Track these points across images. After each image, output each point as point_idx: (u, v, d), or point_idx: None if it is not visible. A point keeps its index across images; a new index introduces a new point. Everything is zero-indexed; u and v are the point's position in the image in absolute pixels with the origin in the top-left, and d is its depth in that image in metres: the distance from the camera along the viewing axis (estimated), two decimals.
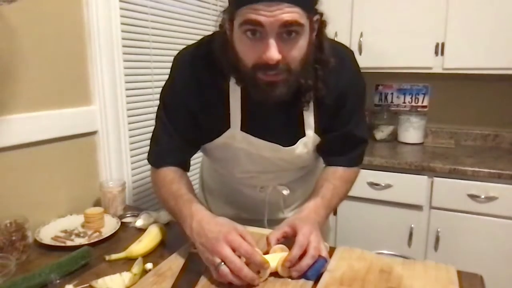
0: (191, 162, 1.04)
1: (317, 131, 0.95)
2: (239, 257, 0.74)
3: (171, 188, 0.93)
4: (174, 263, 0.84)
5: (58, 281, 0.76)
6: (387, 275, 0.78)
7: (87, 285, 0.77)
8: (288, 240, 0.88)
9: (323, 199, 0.92)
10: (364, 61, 1.99)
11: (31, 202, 1.09)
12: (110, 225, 1.06)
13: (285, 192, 1.08)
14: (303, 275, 0.76)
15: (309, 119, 0.93)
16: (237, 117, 0.91)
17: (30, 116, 1.07)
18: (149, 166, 1.03)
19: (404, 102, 2.38)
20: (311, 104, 0.90)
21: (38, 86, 1.09)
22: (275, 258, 0.77)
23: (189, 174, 1.02)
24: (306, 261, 0.76)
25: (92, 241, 0.97)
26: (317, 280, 0.76)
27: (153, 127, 1.01)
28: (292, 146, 0.95)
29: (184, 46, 0.97)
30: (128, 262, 0.85)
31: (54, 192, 1.16)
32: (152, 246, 0.91)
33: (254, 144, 0.94)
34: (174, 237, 0.96)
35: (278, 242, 0.82)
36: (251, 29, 0.72)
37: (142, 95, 1.53)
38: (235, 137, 0.93)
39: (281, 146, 0.94)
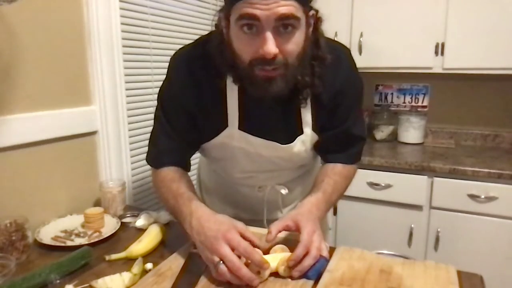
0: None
1: (314, 128, 0.95)
2: (239, 256, 0.74)
3: (171, 187, 0.93)
4: (174, 263, 0.84)
5: (58, 281, 0.76)
6: (387, 275, 0.78)
7: (87, 285, 0.77)
8: (288, 240, 0.89)
9: (324, 194, 0.93)
10: (364, 61, 2.02)
11: (31, 202, 1.09)
12: (110, 225, 1.06)
13: (283, 191, 1.08)
14: (304, 275, 0.76)
15: (307, 116, 0.93)
16: (234, 116, 0.91)
17: (30, 116, 1.07)
18: (149, 166, 1.03)
19: (404, 102, 2.38)
20: (308, 102, 0.91)
21: (38, 86, 1.09)
22: (275, 258, 0.77)
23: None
24: (308, 261, 0.76)
25: (92, 241, 0.97)
26: (317, 280, 0.76)
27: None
28: (290, 144, 0.95)
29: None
30: (128, 262, 0.85)
31: (54, 192, 1.16)
32: (152, 246, 0.91)
33: (252, 143, 0.94)
34: (174, 237, 0.96)
35: (279, 232, 0.82)
36: (247, 24, 0.73)
37: (142, 95, 1.53)
38: (233, 136, 0.93)
39: (279, 144, 0.94)
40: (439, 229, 1.79)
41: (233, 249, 0.73)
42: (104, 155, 1.32)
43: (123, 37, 1.38)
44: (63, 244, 0.95)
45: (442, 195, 1.77)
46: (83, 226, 1.07)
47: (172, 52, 0.97)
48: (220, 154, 1.02)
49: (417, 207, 1.84)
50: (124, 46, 1.39)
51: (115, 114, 1.35)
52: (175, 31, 1.67)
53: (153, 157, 1.01)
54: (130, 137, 1.45)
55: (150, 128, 1.02)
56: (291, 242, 0.89)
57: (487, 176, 1.67)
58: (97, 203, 1.24)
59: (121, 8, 1.36)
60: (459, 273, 0.78)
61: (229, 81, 0.87)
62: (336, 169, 1.00)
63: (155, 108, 1.00)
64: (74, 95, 1.21)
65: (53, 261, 0.82)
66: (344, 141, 1.00)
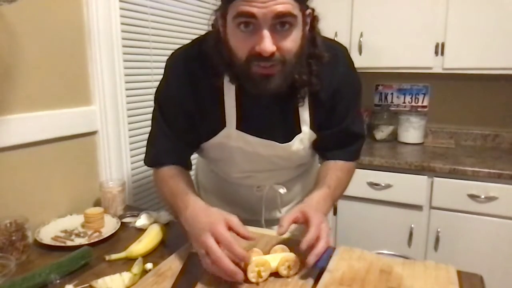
0: None
1: (312, 127, 0.95)
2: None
3: (168, 184, 0.94)
4: (174, 263, 0.83)
5: (58, 281, 0.76)
6: (387, 275, 0.78)
7: (87, 285, 0.77)
8: (290, 241, 0.89)
9: (329, 188, 0.93)
10: (364, 61, 2.02)
11: (31, 202, 1.09)
12: (110, 225, 1.06)
13: (282, 191, 1.08)
14: (316, 263, 0.76)
15: (304, 115, 0.93)
16: (232, 115, 0.91)
17: (30, 116, 1.07)
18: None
19: (404, 102, 2.38)
20: (306, 100, 0.91)
21: (38, 86, 1.09)
22: (275, 258, 0.77)
23: None
24: (322, 244, 0.76)
25: (92, 241, 0.97)
26: (317, 280, 0.76)
27: None
28: (289, 143, 0.95)
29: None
30: (128, 262, 0.85)
31: (54, 192, 1.16)
32: (152, 246, 0.91)
33: (250, 142, 0.94)
34: (174, 237, 0.96)
35: (290, 225, 0.81)
36: (244, 22, 0.73)
37: (142, 95, 1.53)
38: (231, 136, 0.93)
39: (277, 143, 0.94)
40: (439, 229, 1.79)
41: (218, 242, 0.73)
42: (104, 155, 1.32)
43: (123, 37, 1.38)
44: (63, 244, 0.95)
45: (442, 195, 1.77)
46: (83, 226, 1.07)
47: None
48: (218, 155, 1.02)
49: (417, 207, 1.84)
50: (124, 46, 1.39)
51: (115, 114, 1.35)
52: (175, 31, 1.67)
53: (152, 157, 1.01)
54: (130, 137, 1.45)
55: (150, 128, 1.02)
56: (291, 242, 0.89)
57: (487, 176, 1.67)
58: (97, 203, 1.24)
59: (121, 8, 1.36)
60: (459, 273, 0.78)
61: (226, 81, 0.87)
62: (338, 165, 1.01)
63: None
64: (74, 95, 1.21)
65: (53, 261, 0.82)
66: (343, 139, 1.00)
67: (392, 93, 2.40)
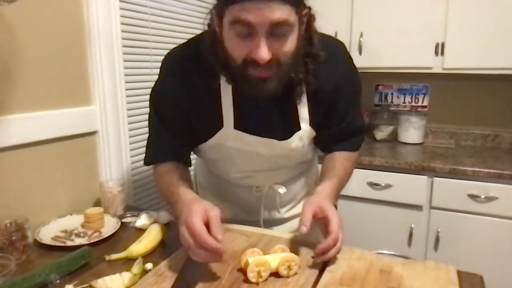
0: None
1: (312, 124, 0.95)
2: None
3: (164, 179, 0.95)
4: (174, 263, 0.83)
5: (58, 281, 0.76)
6: (387, 275, 0.78)
7: (87, 285, 0.77)
8: (291, 241, 0.89)
9: (338, 178, 0.95)
10: (364, 61, 2.02)
11: (31, 202, 1.09)
12: (110, 225, 1.06)
13: (281, 190, 1.07)
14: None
15: (303, 112, 0.93)
16: (229, 115, 0.91)
17: (30, 116, 1.07)
18: (149, 166, 1.03)
19: (404, 102, 2.38)
20: (304, 98, 0.91)
21: (38, 86, 1.09)
22: (275, 258, 0.77)
23: None
24: (333, 253, 0.79)
25: (92, 241, 0.97)
26: (317, 280, 0.76)
27: None
28: (287, 140, 0.94)
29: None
30: (128, 262, 0.85)
31: (54, 192, 1.16)
32: (152, 246, 0.91)
33: (249, 141, 0.93)
34: (174, 237, 0.96)
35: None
36: (240, 28, 0.72)
37: (142, 95, 1.52)
38: (228, 136, 0.93)
39: (276, 141, 0.93)
40: (439, 229, 1.79)
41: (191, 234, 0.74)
42: (104, 155, 1.32)
43: (123, 37, 1.38)
44: (63, 244, 0.95)
45: (442, 195, 1.77)
46: (83, 226, 1.07)
47: None
48: (216, 155, 1.02)
49: (417, 207, 1.83)
50: (124, 46, 1.39)
51: (115, 114, 1.35)
52: (175, 31, 1.67)
53: (149, 156, 1.02)
54: (130, 137, 1.45)
55: None
56: (291, 242, 0.89)
57: (487, 176, 1.67)
58: (97, 203, 1.24)
59: (121, 8, 1.36)
60: (459, 273, 0.78)
61: (223, 81, 0.87)
62: (344, 155, 1.02)
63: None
64: (74, 95, 1.21)
65: (53, 261, 0.82)
66: (345, 135, 1.01)
67: (392, 93, 2.40)
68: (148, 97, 0.97)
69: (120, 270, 0.81)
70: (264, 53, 0.72)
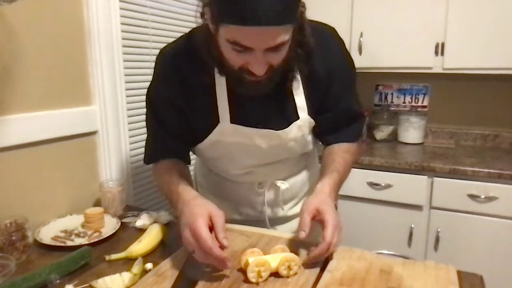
0: None
1: (310, 113, 0.95)
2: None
3: (163, 177, 0.95)
4: (174, 263, 0.83)
5: (58, 281, 0.76)
6: (387, 275, 0.78)
7: (87, 285, 0.77)
8: (291, 241, 0.89)
9: (339, 174, 0.93)
10: (364, 61, 2.02)
11: (31, 202, 1.09)
12: (110, 225, 1.06)
13: (283, 186, 1.07)
14: None
15: (300, 101, 0.93)
16: (225, 109, 0.91)
17: (30, 116, 1.07)
18: (149, 166, 1.03)
19: (404, 102, 2.38)
20: (300, 86, 0.91)
21: (38, 86, 1.09)
22: (276, 258, 0.77)
23: None
24: (324, 257, 0.79)
25: (92, 241, 0.97)
26: (317, 280, 0.76)
27: None
28: (285, 129, 0.93)
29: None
30: (128, 262, 0.85)
31: (54, 192, 1.16)
32: (152, 246, 0.91)
33: (246, 134, 0.93)
34: (174, 237, 0.96)
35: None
36: (238, 47, 0.72)
37: (142, 95, 1.51)
38: (226, 131, 0.92)
39: (273, 131, 0.93)
40: (439, 229, 1.79)
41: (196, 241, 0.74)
42: (104, 155, 1.32)
43: (123, 37, 1.38)
44: (63, 244, 0.95)
45: (442, 195, 1.77)
46: (83, 226, 1.07)
47: None
48: (215, 153, 1.01)
49: (417, 207, 1.84)
50: (124, 46, 1.39)
51: (115, 114, 1.35)
52: (175, 31, 1.67)
53: (148, 155, 1.02)
54: (130, 137, 1.45)
55: None
56: (291, 242, 0.89)
57: (487, 176, 1.67)
58: (97, 203, 1.24)
59: (121, 8, 1.36)
60: (459, 273, 0.78)
61: (217, 76, 0.87)
62: (343, 147, 1.00)
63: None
64: (74, 95, 1.21)
65: (53, 261, 0.82)
66: (343, 121, 1.00)
67: (392, 93, 2.40)
68: None
69: (120, 270, 0.81)
70: (261, 69, 0.73)
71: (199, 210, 0.77)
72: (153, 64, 0.95)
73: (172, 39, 1.69)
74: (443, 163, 1.76)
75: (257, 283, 0.75)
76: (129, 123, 1.44)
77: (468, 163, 1.79)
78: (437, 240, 1.80)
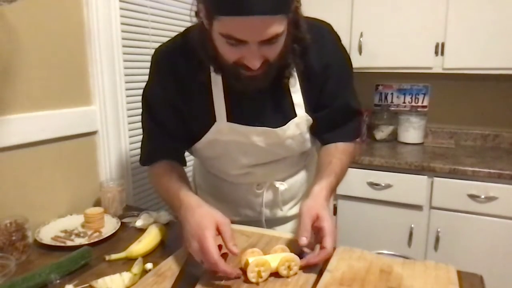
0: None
1: (307, 110, 0.94)
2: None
3: (162, 182, 0.94)
4: (174, 263, 0.83)
5: (58, 281, 0.76)
6: (387, 275, 0.78)
7: (87, 285, 0.77)
8: (291, 241, 0.89)
9: (335, 176, 0.92)
10: (364, 61, 2.02)
11: (31, 202, 1.09)
12: (110, 225, 1.06)
13: (282, 187, 1.07)
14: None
15: (297, 98, 0.93)
16: (221, 108, 0.90)
17: (30, 116, 1.07)
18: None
19: (404, 102, 2.38)
20: (297, 83, 0.90)
21: (38, 86, 1.09)
22: (276, 258, 0.77)
23: None
24: (320, 263, 0.79)
25: (92, 241, 0.97)
26: (317, 280, 0.76)
27: None
28: (283, 127, 0.93)
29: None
30: (128, 262, 0.85)
31: (54, 192, 1.16)
32: (152, 246, 0.91)
33: (243, 133, 0.92)
34: (174, 237, 0.96)
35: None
36: (232, 41, 0.72)
37: None
38: (223, 130, 0.92)
39: (270, 129, 0.92)
40: (439, 229, 1.79)
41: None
42: (104, 155, 1.32)
43: (123, 37, 1.38)
44: (63, 244, 0.95)
45: (442, 195, 1.77)
46: (83, 226, 1.07)
47: None
48: (212, 152, 1.00)
49: (417, 207, 1.84)
50: (124, 46, 1.39)
51: (115, 114, 1.35)
52: (175, 31, 1.67)
53: (144, 156, 1.02)
54: (130, 137, 1.45)
55: None
56: (291, 243, 0.89)
57: (487, 176, 1.67)
58: (97, 203, 1.24)
59: (121, 8, 1.36)
60: (459, 273, 0.78)
61: (213, 74, 0.87)
62: (340, 148, 0.99)
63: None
64: (74, 95, 1.21)
65: (53, 261, 0.82)
66: (340, 117, 0.99)
67: (392, 93, 2.40)
68: None
69: (120, 270, 0.81)
70: (256, 62, 0.73)
71: (206, 221, 0.76)
72: None
73: None
74: (443, 163, 1.76)
75: (257, 283, 0.75)
76: (129, 123, 1.44)
77: (468, 163, 1.79)
78: (437, 240, 1.80)
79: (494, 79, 2.10)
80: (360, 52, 2.06)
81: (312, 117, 0.96)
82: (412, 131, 2.19)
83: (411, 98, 2.36)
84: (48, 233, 1.00)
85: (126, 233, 1.04)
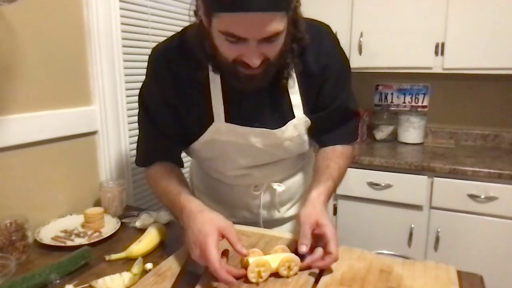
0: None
1: (305, 111, 0.94)
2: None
3: (160, 185, 0.93)
4: (174, 263, 0.83)
5: (58, 281, 0.76)
6: (387, 275, 0.78)
7: (87, 285, 0.77)
8: (291, 241, 0.89)
9: (333, 181, 0.91)
10: (364, 61, 2.02)
11: (31, 202, 1.09)
12: (110, 225, 1.06)
13: (280, 188, 1.06)
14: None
15: (296, 99, 0.92)
16: (219, 108, 0.90)
17: (30, 116, 1.07)
18: None
19: (404, 102, 2.38)
20: (296, 85, 0.90)
21: (38, 86, 1.09)
22: (276, 258, 0.77)
23: None
24: (326, 267, 0.78)
25: (92, 241, 0.97)
26: (317, 280, 0.76)
27: None
28: (281, 128, 0.92)
29: None
30: (128, 262, 0.85)
31: (54, 192, 1.16)
32: (152, 246, 0.91)
33: (241, 133, 0.92)
34: (174, 237, 0.96)
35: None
36: (231, 38, 0.72)
37: None
38: (220, 130, 0.91)
39: (269, 130, 0.91)
40: (439, 229, 1.79)
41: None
42: (104, 155, 1.32)
43: (123, 37, 1.38)
44: (63, 244, 0.95)
45: (442, 195, 1.77)
46: (83, 226, 1.07)
47: None
48: (210, 153, 1.00)
49: (417, 207, 1.84)
50: (124, 46, 1.39)
51: (115, 114, 1.35)
52: (175, 31, 1.66)
53: (140, 157, 1.02)
54: (130, 137, 1.45)
55: None
56: (292, 243, 0.89)
57: (487, 176, 1.67)
58: (97, 203, 1.24)
59: (121, 8, 1.36)
60: (459, 273, 0.78)
61: (211, 73, 0.86)
62: (337, 151, 0.98)
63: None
64: (74, 95, 1.21)
65: (53, 261, 0.82)
66: (339, 118, 0.98)
67: (392, 93, 2.40)
68: None
69: (120, 270, 0.81)
70: (255, 60, 0.73)
71: (208, 228, 0.75)
72: None
73: None
74: (443, 163, 1.76)
75: (257, 283, 0.75)
76: (129, 123, 1.44)
77: (468, 163, 1.79)
78: (437, 240, 1.80)
79: (494, 79, 2.10)
80: (360, 52, 2.05)
81: (310, 118, 0.96)
82: (412, 131, 2.19)
83: (411, 98, 2.36)
84: (48, 233, 1.01)
85: (126, 233, 1.04)
